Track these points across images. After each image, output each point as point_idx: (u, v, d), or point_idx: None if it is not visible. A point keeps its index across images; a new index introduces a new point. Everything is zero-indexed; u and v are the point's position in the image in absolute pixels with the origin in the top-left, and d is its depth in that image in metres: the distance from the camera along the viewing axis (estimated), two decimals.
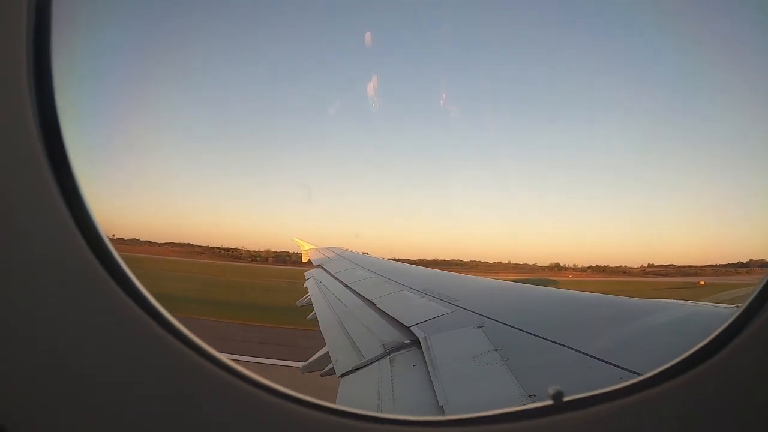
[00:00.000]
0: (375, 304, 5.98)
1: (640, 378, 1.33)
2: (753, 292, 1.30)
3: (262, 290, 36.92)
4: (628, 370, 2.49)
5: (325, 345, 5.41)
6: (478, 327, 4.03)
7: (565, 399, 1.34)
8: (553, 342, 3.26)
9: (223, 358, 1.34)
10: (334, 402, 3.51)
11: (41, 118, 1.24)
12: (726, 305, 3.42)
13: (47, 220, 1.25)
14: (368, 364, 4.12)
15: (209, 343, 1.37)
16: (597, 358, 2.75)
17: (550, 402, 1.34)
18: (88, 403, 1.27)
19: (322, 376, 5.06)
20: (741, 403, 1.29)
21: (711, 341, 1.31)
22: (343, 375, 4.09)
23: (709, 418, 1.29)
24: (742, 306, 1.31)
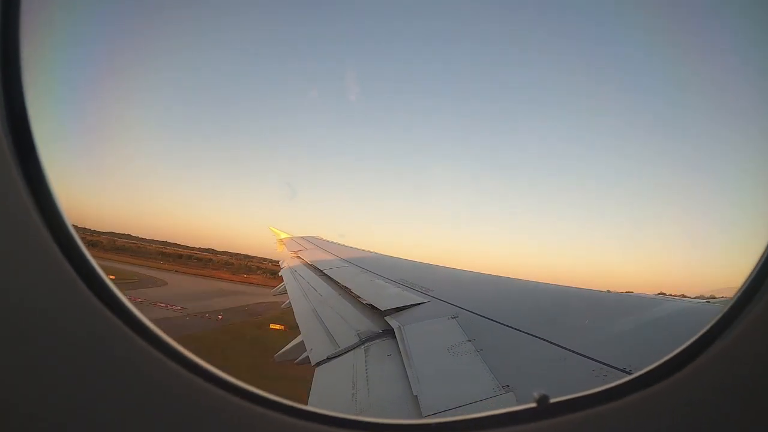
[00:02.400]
0: (350, 294, 5.97)
1: (625, 380, 1.32)
2: (737, 293, 1.30)
3: None
4: (601, 362, 2.55)
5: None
6: (453, 317, 4.07)
7: (551, 401, 1.31)
8: (526, 333, 3.33)
9: (195, 358, 1.30)
10: (309, 394, 3.52)
11: (9, 113, 1.17)
12: (697, 300, 3.55)
13: (14, 217, 1.19)
14: (343, 353, 4.12)
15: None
16: (570, 350, 2.82)
17: (534, 405, 1.31)
18: (52, 402, 1.22)
19: (296, 364, 5.04)
20: (730, 404, 1.29)
21: (696, 341, 1.31)
22: (317, 364, 4.09)
23: (699, 419, 1.29)
24: (725, 307, 1.32)
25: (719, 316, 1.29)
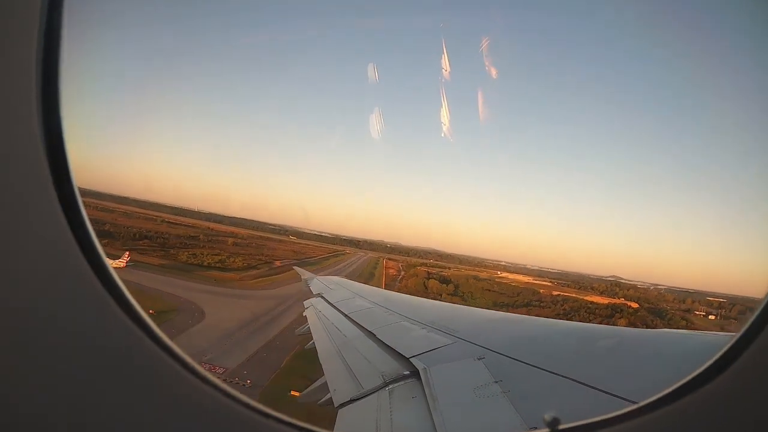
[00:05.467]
0: (375, 335, 5.92)
1: (635, 406, 1.35)
2: (746, 322, 1.32)
3: None
4: (629, 401, 2.47)
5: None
6: (479, 359, 3.99)
7: (561, 427, 1.34)
8: (553, 373, 3.24)
9: (192, 361, 1.36)
10: None
11: (45, 122, 1.26)
12: (723, 333, 3.43)
13: (44, 223, 1.27)
14: (367, 395, 4.06)
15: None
16: (598, 389, 2.73)
17: (546, 430, 1.34)
18: (69, 402, 1.28)
19: (319, 405, 4.97)
20: (732, 427, 1.30)
21: (704, 370, 1.33)
22: (341, 405, 4.03)
23: None
24: (736, 336, 1.33)
25: (725, 349, 1.31)
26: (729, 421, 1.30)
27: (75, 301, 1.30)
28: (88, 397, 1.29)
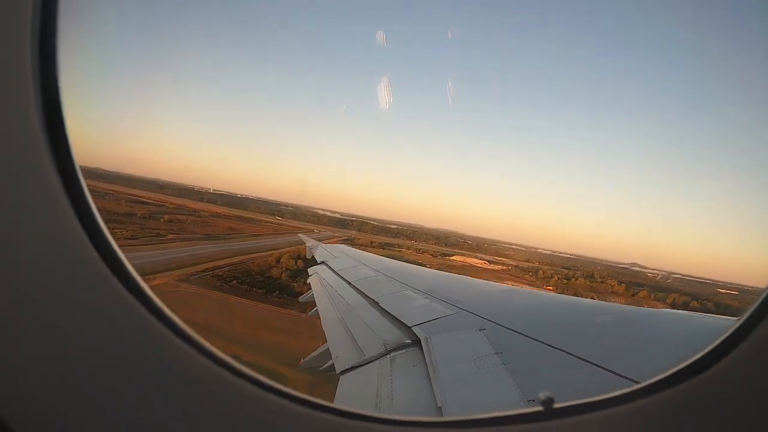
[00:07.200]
0: (377, 303, 5.97)
1: (632, 388, 1.34)
2: (751, 306, 1.29)
3: None
4: (627, 378, 2.49)
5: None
6: (480, 330, 4.03)
7: (556, 406, 1.34)
8: (554, 347, 3.26)
9: (216, 350, 1.35)
10: (332, 400, 3.55)
11: (44, 107, 1.21)
12: (726, 317, 3.43)
13: (48, 211, 1.23)
14: (368, 363, 4.13)
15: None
16: (597, 365, 2.75)
17: (540, 408, 1.34)
18: (83, 392, 1.27)
19: (321, 372, 5.07)
20: (732, 417, 1.28)
21: (705, 354, 1.31)
22: (342, 372, 4.11)
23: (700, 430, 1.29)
24: (740, 320, 1.30)
25: (730, 331, 1.28)
26: (729, 408, 1.29)
27: (85, 291, 1.27)
28: (109, 391, 1.28)
